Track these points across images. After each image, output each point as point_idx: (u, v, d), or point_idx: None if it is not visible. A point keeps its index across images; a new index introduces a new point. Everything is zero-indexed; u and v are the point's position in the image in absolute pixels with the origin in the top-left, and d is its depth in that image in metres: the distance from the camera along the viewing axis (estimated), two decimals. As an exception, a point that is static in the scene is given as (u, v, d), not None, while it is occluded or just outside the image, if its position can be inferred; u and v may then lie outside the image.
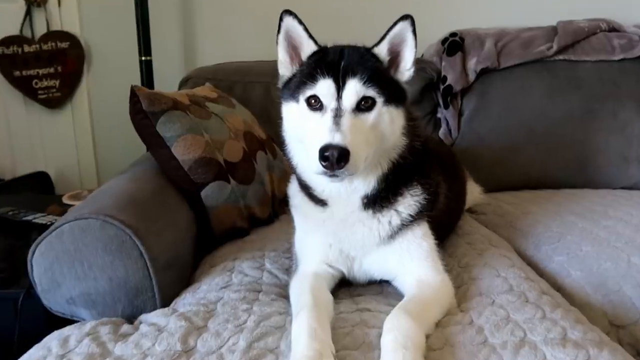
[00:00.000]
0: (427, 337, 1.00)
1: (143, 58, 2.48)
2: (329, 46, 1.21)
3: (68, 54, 2.67)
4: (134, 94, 1.51)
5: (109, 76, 2.74)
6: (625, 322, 1.35)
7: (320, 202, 1.24)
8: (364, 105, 1.11)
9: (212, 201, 1.60)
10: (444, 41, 2.47)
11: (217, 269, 1.43)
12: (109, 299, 1.23)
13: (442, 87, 2.37)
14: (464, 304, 1.17)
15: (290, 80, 1.22)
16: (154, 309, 1.25)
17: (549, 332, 1.00)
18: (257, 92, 2.30)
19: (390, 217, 1.22)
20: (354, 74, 1.10)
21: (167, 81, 2.54)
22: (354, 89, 1.09)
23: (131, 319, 1.23)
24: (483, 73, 2.37)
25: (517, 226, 1.80)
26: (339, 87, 1.10)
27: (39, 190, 2.63)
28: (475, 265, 1.39)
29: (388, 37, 1.17)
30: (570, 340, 0.97)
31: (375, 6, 2.74)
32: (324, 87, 1.11)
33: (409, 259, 1.23)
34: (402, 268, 1.24)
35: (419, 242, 1.24)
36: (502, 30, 2.48)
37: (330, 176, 1.05)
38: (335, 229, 1.24)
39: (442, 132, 2.38)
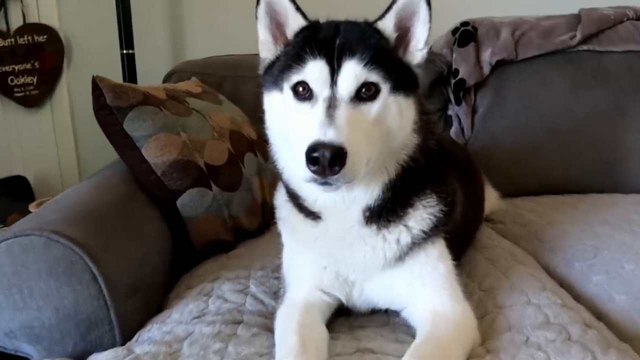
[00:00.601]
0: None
1: (125, 51, 2.30)
2: (321, 22, 0.99)
3: (46, 49, 2.49)
4: (96, 87, 1.30)
5: (91, 72, 2.42)
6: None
7: (312, 215, 1.01)
8: (365, 93, 0.90)
9: (190, 211, 1.38)
10: (454, 31, 2.27)
11: (194, 292, 1.22)
12: (56, 333, 1.02)
13: (453, 81, 2.17)
14: (491, 342, 0.95)
15: (273, 63, 1.00)
16: (113, 344, 1.04)
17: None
18: (248, 88, 2.08)
19: (399, 234, 0.99)
20: (352, 54, 0.89)
21: (153, 76, 2.33)
22: (353, 72, 0.89)
23: (85, 356, 1.01)
24: (499, 65, 2.17)
25: (542, 238, 1.58)
26: (334, 71, 0.89)
27: (16, 196, 2.45)
28: (501, 288, 1.17)
29: (395, 8, 0.95)
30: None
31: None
32: (314, 71, 0.89)
33: (421, 286, 1.01)
34: (414, 296, 1.02)
35: (434, 264, 1.02)
36: (519, 19, 2.28)
37: (323, 184, 0.84)
38: (331, 247, 1.02)
39: (453, 131, 2.17)
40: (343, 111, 0.85)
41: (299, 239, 1.07)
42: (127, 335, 1.05)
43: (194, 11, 2.56)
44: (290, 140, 0.94)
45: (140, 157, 1.34)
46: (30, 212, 1.86)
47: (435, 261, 1.02)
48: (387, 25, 0.96)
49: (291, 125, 0.92)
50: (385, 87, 0.90)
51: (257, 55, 1.90)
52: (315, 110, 0.87)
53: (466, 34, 2.22)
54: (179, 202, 1.37)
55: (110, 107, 1.30)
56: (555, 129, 2.11)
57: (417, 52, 0.98)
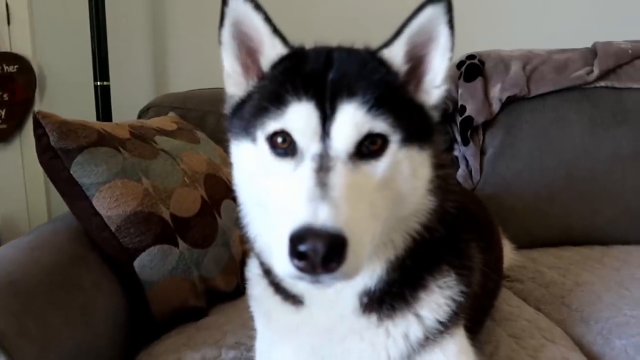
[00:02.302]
0: None
1: (99, 83, 2.12)
2: (306, 48, 0.77)
3: (17, 79, 2.33)
4: (38, 124, 1.08)
5: (65, 105, 2.35)
6: None
7: (292, 298, 0.78)
8: (368, 147, 0.67)
9: (151, 274, 1.16)
10: (459, 64, 2.10)
11: (148, 381, 0.97)
12: None
13: (459, 119, 1.98)
14: None
15: (243, 102, 0.77)
16: None
17: None
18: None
19: (407, 327, 0.76)
20: (351, 94, 0.67)
21: (130, 110, 2.17)
22: (353, 119, 0.66)
23: None
24: (509, 102, 1.99)
25: (570, 304, 1.36)
26: (326, 117, 0.66)
27: None
28: None
29: (407, 33, 0.73)
30: None
31: (378, 26, 2.39)
32: (298, 117, 0.67)
33: None
34: None
35: None
36: (530, 52, 2.12)
37: (312, 282, 0.59)
38: (316, 342, 0.79)
39: (460, 174, 1.97)
40: (340, 175, 0.63)
41: (275, 328, 0.84)
42: None
43: (179, 39, 2.42)
44: (264, 206, 0.71)
45: (91, 209, 1.12)
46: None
47: (454, 358, 0.78)
48: (396, 54, 0.74)
49: (267, 186, 0.69)
50: (394, 139, 0.68)
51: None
52: (301, 173, 0.64)
53: (473, 68, 2.05)
54: (136, 263, 1.14)
55: (55, 149, 1.08)
56: (573, 173, 1.92)
57: (433, 90, 0.76)
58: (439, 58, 0.74)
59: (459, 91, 2.02)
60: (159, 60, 2.43)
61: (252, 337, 1.08)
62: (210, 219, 1.31)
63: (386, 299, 0.75)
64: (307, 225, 0.56)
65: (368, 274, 0.73)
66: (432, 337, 0.77)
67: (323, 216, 0.57)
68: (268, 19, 0.75)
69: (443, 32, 0.72)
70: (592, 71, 2.00)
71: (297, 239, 0.56)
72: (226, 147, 1.65)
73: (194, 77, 2.29)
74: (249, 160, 0.73)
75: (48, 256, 1.03)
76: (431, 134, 0.75)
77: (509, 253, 1.70)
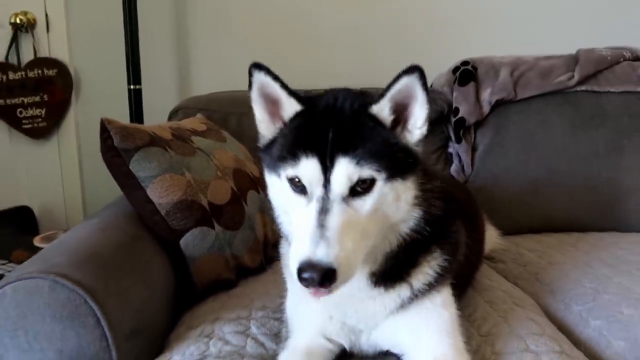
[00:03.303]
0: None
1: (132, 87, 2.35)
2: (316, 98, 0.99)
3: (55, 82, 2.54)
4: (104, 129, 1.33)
5: (99, 106, 2.59)
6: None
7: None
8: (359, 187, 0.88)
9: (193, 250, 1.40)
10: (455, 70, 2.33)
11: (195, 332, 1.22)
12: None
13: (453, 119, 2.20)
14: None
15: (271, 144, 1.00)
16: (113, 387, 1.04)
17: None
18: (252, 124, 2.08)
19: (402, 290, 1.02)
20: (345, 151, 0.87)
21: (159, 111, 2.39)
22: (346, 171, 0.87)
23: None
24: (498, 105, 2.21)
25: (542, 279, 1.60)
26: (326, 168, 0.88)
27: (21, 226, 2.47)
28: (500, 334, 1.18)
29: (389, 95, 0.92)
30: None
31: (379, 33, 2.62)
32: (307, 170, 0.89)
33: (425, 332, 1.03)
34: (417, 342, 1.03)
35: (439, 311, 1.04)
36: (519, 59, 2.33)
37: (314, 295, 0.85)
38: (339, 301, 1.03)
39: (454, 169, 2.19)
40: (336, 215, 0.85)
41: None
42: (128, 378, 1.07)
43: (201, 47, 2.62)
44: (289, 214, 0.96)
45: (145, 197, 1.36)
46: (35, 246, 1.89)
47: (440, 308, 1.03)
48: (382, 109, 0.93)
49: (290, 206, 0.94)
50: (380, 178, 0.89)
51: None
52: (309, 212, 0.86)
53: (466, 73, 2.27)
54: (182, 242, 1.38)
55: (117, 149, 1.33)
56: (554, 168, 2.14)
57: (415, 131, 0.95)
58: (418, 109, 0.94)
59: (454, 94, 2.23)
60: (183, 65, 2.63)
61: (275, 302, 1.34)
62: (239, 206, 1.56)
63: (388, 278, 1.00)
64: (308, 260, 0.81)
65: (371, 263, 0.98)
66: (421, 294, 1.02)
67: (320, 254, 0.80)
68: (284, 85, 0.96)
69: (419, 92, 0.91)
70: (573, 76, 2.20)
71: (301, 270, 0.81)
72: (248, 146, 1.89)
73: (213, 81, 2.53)
74: (276, 188, 0.97)
75: (115, 236, 1.28)
76: (415, 165, 0.95)
77: (495, 238, 1.93)
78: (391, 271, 1.00)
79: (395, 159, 0.91)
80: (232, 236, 1.50)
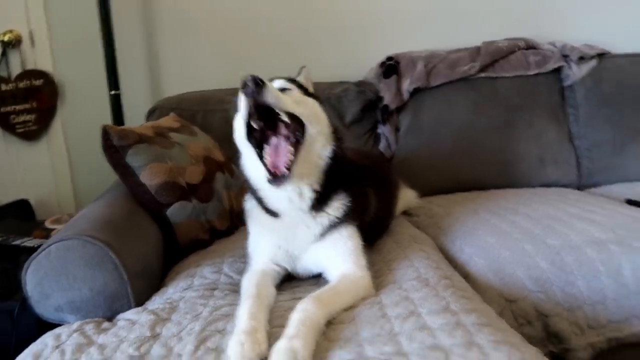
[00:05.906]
0: (334, 319, 1.21)
1: (112, 92, 2.70)
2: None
3: (43, 91, 2.85)
4: (106, 132, 1.78)
5: (81, 110, 2.94)
6: (516, 297, 1.65)
7: (273, 213, 1.43)
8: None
9: (176, 218, 1.85)
10: (382, 65, 2.76)
11: (182, 275, 1.66)
12: (91, 305, 1.45)
13: (380, 106, 2.65)
14: (379, 291, 1.44)
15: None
16: (130, 310, 1.51)
17: (434, 305, 1.24)
18: (216, 119, 2.52)
19: (323, 218, 1.45)
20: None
21: (135, 112, 2.76)
22: (276, 83, 1.41)
23: (110, 319, 1.46)
24: (415, 92, 2.65)
25: (441, 225, 2.08)
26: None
27: (21, 216, 2.81)
28: (396, 259, 1.62)
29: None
30: (449, 310, 1.22)
31: (322, 34, 3.01)
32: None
33: (335, 255, 1.41)
34: (330, 263, 1.42)
35: (345, 241, 1.42)
36: (432, 53, 2.79)
37: (274, 183, 1.26)
38: (285, 233, 1.44)
39: (382, 146, 2.65)
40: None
41: (263, 229, 1.51)
42: (139, 305, 1.49)
43: (169, 53, 2.93)
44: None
45: (139, 182, 1.81)
46: (48, 227, 2.33)
47: (345, 239, 1.41)
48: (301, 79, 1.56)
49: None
50: (294, 88, 1.45)
51: (222, 89, 2.41)
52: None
53: (390, 67, 2.72)
54: (168, 212, 1.84)
55: (116, 147, 1.79)
56: (461, 140, 2.60)
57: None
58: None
59: (380, 85, 2.66)
60: (155, 70, 2.97)
61: (240, 253, 1.79)
62: (209, 185, 2.01)
63: (316, 205, 1.40)
64: (248, 79, 1.24)
65: (310, 189, 1.38)
66: (334, 225, 1.42)
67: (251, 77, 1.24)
68: None
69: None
70: (474, 66, 2.66)
71: (243, 87, 1.24)
72: (214, 136, 2.32)
73: (182, 82, 2.88)
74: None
75: (119, 210, 1.74)
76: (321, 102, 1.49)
77: (414, 199, 2.39)
78: (319, 200, 1.39)
79: (303, 88, 1.49)
80: (205, 207, 1.96)
